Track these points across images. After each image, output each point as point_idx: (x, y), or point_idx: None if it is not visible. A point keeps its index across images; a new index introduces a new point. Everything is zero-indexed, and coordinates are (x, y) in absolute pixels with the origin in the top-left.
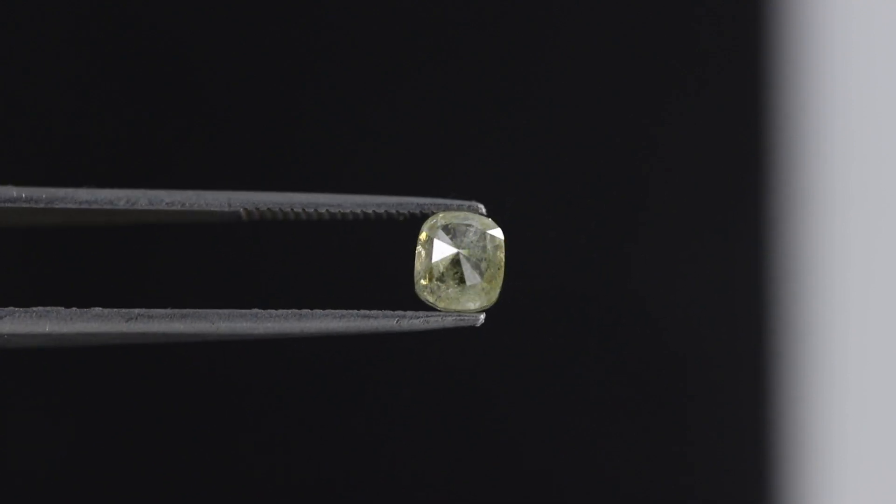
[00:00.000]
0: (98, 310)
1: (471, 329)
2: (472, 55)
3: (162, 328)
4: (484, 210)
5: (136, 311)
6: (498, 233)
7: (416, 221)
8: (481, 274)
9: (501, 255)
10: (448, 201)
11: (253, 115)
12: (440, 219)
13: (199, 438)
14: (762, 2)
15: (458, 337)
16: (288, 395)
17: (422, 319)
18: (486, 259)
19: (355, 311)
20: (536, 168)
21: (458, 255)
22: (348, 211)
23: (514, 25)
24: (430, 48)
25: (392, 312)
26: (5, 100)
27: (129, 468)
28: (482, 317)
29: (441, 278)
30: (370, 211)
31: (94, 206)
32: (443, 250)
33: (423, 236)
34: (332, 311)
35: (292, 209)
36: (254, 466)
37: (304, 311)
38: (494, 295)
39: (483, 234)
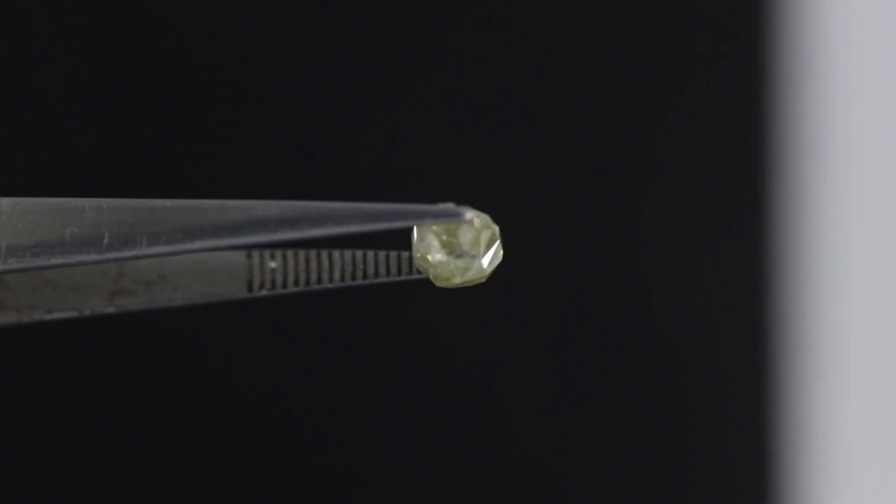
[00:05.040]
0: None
1: (473, 329)
2: (473, 57)
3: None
4: (470, 216)
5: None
6: (489, 231)
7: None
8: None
9: (499, 246)
10: (433, 209)
11: (255, 116)
12: (433, 244)
13: (197, 437)
14: (762, 2)
15: (461, 336)
16: (289, 397)
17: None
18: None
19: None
20: (536, 171)
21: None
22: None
23: (514, 26)
24: (430, 48)
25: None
26: (7, 100)
27: (129, 470)
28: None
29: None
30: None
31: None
32: (443, 263)
33: (417, 258)
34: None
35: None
36: (254, 467)
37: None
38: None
39: (477, 243)
